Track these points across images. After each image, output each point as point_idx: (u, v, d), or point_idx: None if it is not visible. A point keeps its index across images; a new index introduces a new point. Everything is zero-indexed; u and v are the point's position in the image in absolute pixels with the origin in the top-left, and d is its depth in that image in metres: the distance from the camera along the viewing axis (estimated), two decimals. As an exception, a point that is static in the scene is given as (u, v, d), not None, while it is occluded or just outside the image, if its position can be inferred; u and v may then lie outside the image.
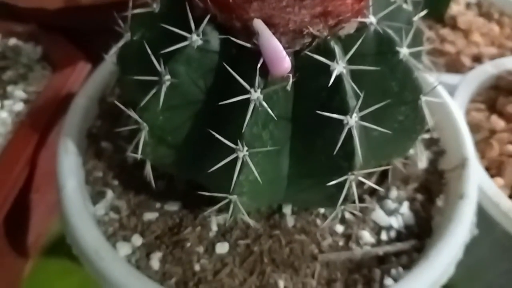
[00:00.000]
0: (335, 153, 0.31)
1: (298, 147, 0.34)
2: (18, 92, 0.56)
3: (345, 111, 0.31)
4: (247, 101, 0.30)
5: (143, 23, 0.37)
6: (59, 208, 0.42)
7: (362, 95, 0.31)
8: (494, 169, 0.52)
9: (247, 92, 0.30)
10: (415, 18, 0.39)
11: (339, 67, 0.31)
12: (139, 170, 0.41)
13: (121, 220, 0.42)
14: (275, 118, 0.32)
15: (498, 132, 0.54)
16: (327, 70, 0.31)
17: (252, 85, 0.30)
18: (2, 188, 0.47)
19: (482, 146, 0.53)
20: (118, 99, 0.50)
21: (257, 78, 0.30)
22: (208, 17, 0.32)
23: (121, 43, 0.38)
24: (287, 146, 0.34)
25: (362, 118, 0.31)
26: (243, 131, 0.31)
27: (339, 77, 0.31)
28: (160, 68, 0.32)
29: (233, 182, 0.32)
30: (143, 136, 0.34)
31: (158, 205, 0.43)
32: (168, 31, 0.33)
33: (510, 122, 0.55)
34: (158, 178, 0.42)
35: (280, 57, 0.29)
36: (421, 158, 0.47)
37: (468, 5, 0.76)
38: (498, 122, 0.54)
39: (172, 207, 0.43)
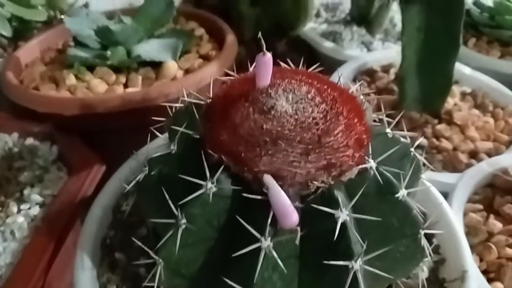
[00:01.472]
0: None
1: (306, 281, 0.36)
2: (34, 196, 0.58)
3: (350, 256, 0.33)
4: (258, 247, 0.33)
5: (160, 161, 0.40)
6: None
7: (366, 243, 0.34)
8: (493, 273, 0.53)
9: (258, 240, 0.33)
10: (412, 149, 0.42)
11: (343, 215, 0.33)
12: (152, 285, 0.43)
13: (133, 337, 0.44)
14: (285, 261, 0.34)
15: (496, 234, 0.56)
16: (332, 217, 0.33)
17: (262, 233, 0.33)
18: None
19: (480, 249, 0.55)
20: (132, 210, 0.54)
21: (268, 227, 0.33)
22: (222, 167, 0.35)
23: (140, 175, 0.41)
24: (296, 280, 0.36)
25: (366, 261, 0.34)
26: (255, 277, 0.33)
27: (343, 224, 0.33)
28: (176, 212, 0.35)
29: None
30: (159, 270, 0.37)
31: (170, 322, 0.44)
32: (185, 173, 0.36)
33: (508, 224, 0.57)
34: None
35: (288, 212, 0.32)
36: (423, 268, 0.49)
37: (463, 96, 0.79)
38: (496, 224, 0.56)
39: (184, 325, 0.44)
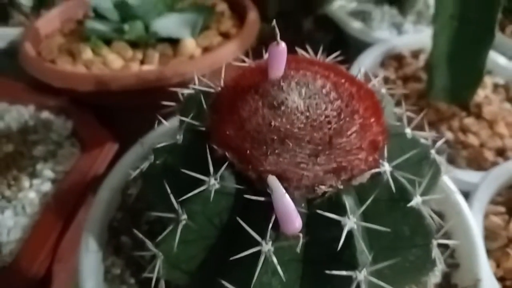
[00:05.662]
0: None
1: (308, 287, 0.35)
2: (47, 171, 0.58)
3: (355, 266, 0.32)
4: (258, 251, 0.31)
5: (166, 150, 0.38)
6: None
7: (373, 252, 0.32)
8: (510, 280, 0.51)
9: (259, 243, 0.31)
10: (432, 152, 0.39)
11: (350, 223, 0.31)
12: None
13: (134, 322, 0.44)
14: (286, 265, 0.33)
15: (517, 240, 0.53)
16: (339, 224, 0.32)
17: (263, 236, 0.31)
18: (26, 277, 0.49)
19: (498, 255, 0.52)
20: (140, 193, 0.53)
21: (269, 231, 0.31)
22: (226, 164, 0.33)
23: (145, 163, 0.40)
24: (298, 284, 0.35)
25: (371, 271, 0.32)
26: (253, 281, 0.31)
27: (350, 232, 0.32)
28: (177, 207, 0.34)
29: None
30: (159, 263, 0.36)
31: (171, 310, 0.44)
32: (188, 166, 0.34)
33: (530, 229, 0.54)
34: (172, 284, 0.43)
35: (291, 218, 0.30)
36: (435, 273, 0.47)
37: (495, 88, 0.75)
38: (517, 229, 0.54)
39: (185, 314, 0.44)
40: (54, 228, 0.53)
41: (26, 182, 0.57)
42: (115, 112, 0.65)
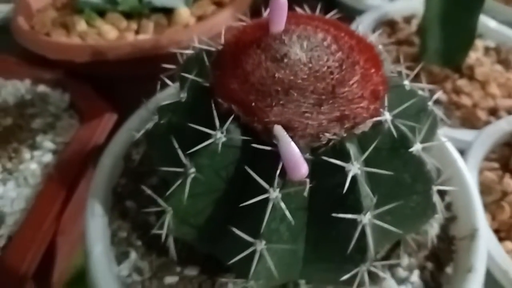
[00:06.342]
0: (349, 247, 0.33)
1: (314, 233, 0.36)
2: (47, 143, 0.59)
3: (359, 210, 0.33)
4: (266, 198, 0.32)
5: (170, 109, 0.39)
6: (87, 270, 0.45)
7: (376, 197, 0.33)
8: (504, 232, 0.53)
9: (266, 191, 0.32)
10: (430, 103, 0.40)
11: (354, 169, 0.33)
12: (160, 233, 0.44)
13: (143, 282, 0.44)
14: (293, 212, 0.34)
15: (510, 194, 0.55)
16: (343, 170, 0.33)
17: (271, 184, 0.32)
18: (31, 246, 0.50)
19: (493, 208, 0.54)
20: (143, 159, 0.53)
21: (276, 179, 0.32)
22: (232, 117, 0.34)
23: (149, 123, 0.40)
24: (304, 231, 0.36)
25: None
26: (262, 227, 0.33)
27: (354, 178, 0.33)
28: (185, 161, 0.35)
29: (251, 272, 0.34)
30: (168, 219, 0.37)
31: (178, 268, 0.45)
32: (194, 122, 0.35)
33: (523, 183, 0.56)
34: (179, 242, 0.44)
35: (298, 163, 0.31)
36: (433, 225, 0.49)
37: (486, 50, 0.76)
38: (510, 184, 0.55)
39: (192, 271, 0.45)
40: (57, 197, 0.53)
41: (26, 154, 0.58)
42: (113, 84, 0.65)
